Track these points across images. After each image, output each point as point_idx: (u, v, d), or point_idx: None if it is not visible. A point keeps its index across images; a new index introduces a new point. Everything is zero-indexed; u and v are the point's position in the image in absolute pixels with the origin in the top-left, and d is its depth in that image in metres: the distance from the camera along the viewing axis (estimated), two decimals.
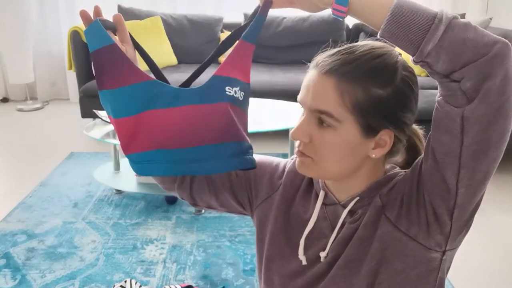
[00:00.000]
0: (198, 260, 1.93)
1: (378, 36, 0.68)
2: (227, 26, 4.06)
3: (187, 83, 0.90)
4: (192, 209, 2.35)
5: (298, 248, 0.84)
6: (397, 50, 0.77)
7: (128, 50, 0.83)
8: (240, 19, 4.05)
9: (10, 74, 4.12)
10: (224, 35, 3.98)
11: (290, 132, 0.77)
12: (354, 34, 4.07)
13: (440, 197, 0.71)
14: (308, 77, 0.77)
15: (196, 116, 0.74)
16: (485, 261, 1.95)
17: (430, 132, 0.71)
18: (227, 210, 0.97)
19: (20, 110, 4.19)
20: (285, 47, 3.93)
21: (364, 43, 0.76)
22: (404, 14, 0.64)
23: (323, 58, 0.76)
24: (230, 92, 0.76)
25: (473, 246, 2.05)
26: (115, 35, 0.82)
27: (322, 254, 0.82)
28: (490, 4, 4.23)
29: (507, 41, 0.64)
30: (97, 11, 0.80)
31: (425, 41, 0.63)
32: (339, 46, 0.77)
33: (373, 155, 0.76)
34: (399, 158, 0.86)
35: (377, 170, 0.81)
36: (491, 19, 3.67)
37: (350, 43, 0.78)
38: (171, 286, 1.58)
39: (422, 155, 0.74)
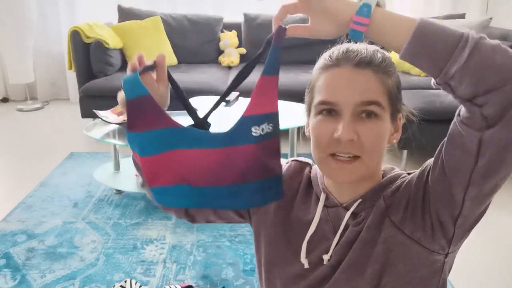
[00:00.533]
0: (198, 260, 1.93)
1: (399, 57, 0.65)
2: (227, 26, 4.06)
3: (205, 117, 0.91)
4: None
5: (300, 251, 0.84)
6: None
7: (161, 87, 0.85)
8: (240, 19, 4.06)
9: (10, 74, 4.12)
10: (224, 35, 3.98)
11: (337, 135, 0.73)
12: None
13: (445, 206, 0.70)
14: (339, 75, 0.75)
15: (219, 158, 0.75)
16: (485, 261, 1.95)
17: (442, 143, 0.69)
18: (226, 221, 0.97)
19: (20, 110, 4.19)
20: (285, 47, 3.90)
21: (363, 43, 0.78)
22: (428, 34, 0.61)
23: (344, 54, 0.76)
24: (256, 132, 0.76)
25: (473, 246, 2.05)
26: (153, 71, 0.84)
27: (325, 257, 0.81)
28: (490, 4, 4.22)
29: None
30: (140, 61, 0.83)
31: (450, 63, 0.59)
32: (341, 43, 0.79)
33: (394, 140, 0.80)
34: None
35: (382, 161, 0.81)
36: (491, 19, 3.68)
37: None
38: (171, 286, 1.58)
39: (431, 161, 0.73)
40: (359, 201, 0.79)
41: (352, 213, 0.80)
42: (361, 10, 0.64)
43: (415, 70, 3.44)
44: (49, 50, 4.41)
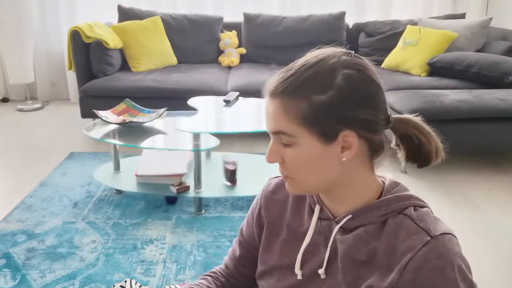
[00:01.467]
0: (198, 260, 1.93)
1: None
2: (227, 26, 4.06)
3: None
4: (192, 209, 2.35)
5: (293, 262, 0.84)
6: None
7: None
8: (240, 19, 4.06)
9: (10, 74, 4.12)
10: (224, 35, 3.98)
11: (266, 157, 0.80)
12: (354, 34, 4.08)
13: None
14: (265, 103, 0.79)
15: None
16: (485, 261, 1.95)
17: None
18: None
19: (20, 110, 4.19)
20: (285, 47, 3.93)
21: (304, 57, 0.77)
22: None
23: (268, 83, 0.78)
24: None
25: (473, 246, 2.05)
26: None
27: (321, 271, 0.81)
28: (490, 4, 4.23)
29: None
30: None
31: None
32: (346, 46, 0.80)
33: (344, 158, 0.75)
34: (400, 153, 0.83)
35: (365, 176, 0.79)
36: (491, 19, 3.68)
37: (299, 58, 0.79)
38: (171, 286, 1.57)
39: None
40: (348, 217, 0.78)
41: (342, 227, 0.79)
42: None
43: (415, 70, 3.44)
44: (49, 50, 4.41)
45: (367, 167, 0.79)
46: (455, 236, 0.74)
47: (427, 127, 0.81)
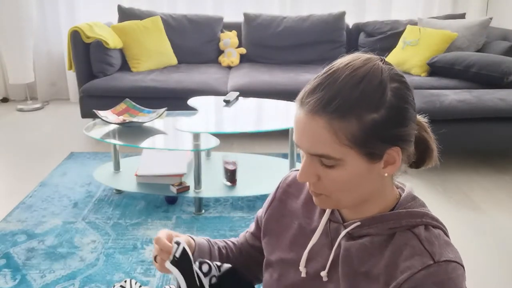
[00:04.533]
0: None
1: None
2: (227, 26, 4.06)
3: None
4: (192, 209, 2.35)
5: (300, 258, 0.84)
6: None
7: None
8: (240, 19, 4.06)
9: (10, 74, 4.12)
10: (224, 35, 3.98)
11: (297, 176, 0.73)
12: (354, 34, 4.08)
13: None
14: (297, 116, 0.72)
15: None
16: (485, 261, 1.95)
17: None
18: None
19: (20, 110, 4.19)
20: (285, 47, 3.93)
21: (343, 62, 0.70)
22: None
23: (306, 95, 0.70)
24: None
25: (473, 246, 2.05)
26: None
27: (323, 274, 0.80)
28: (490, 4, 4.23)
29: None
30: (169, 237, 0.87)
31: None
32: (320, 76, 0.71)
33: (386, 174, 0.72)
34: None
35: (387, 186, 0.77)
36: (491, 19, 3.68)
37: (328, 64, 0.72)
38: (171, 286, 1.57)
39: None
40: (357, 223, 0.77)
41: (348, 233, 0.78)
42: None
43: (415, 70, 3.44)
44: (49, 50, 4.41)
45: (391, 177, 0.78)
46: (462, 266, 0.70)
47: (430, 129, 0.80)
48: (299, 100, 0.71)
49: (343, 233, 0.78)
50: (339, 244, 0.79)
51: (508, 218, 2.29)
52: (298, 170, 0.93)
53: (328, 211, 0.83)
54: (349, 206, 0.77)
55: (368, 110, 0.66)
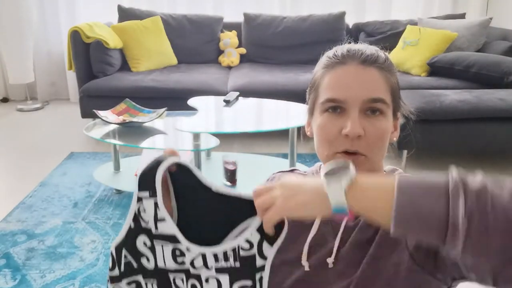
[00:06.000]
0: None
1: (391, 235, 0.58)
2: (227, 26, 4.06)
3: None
4: None
5: (301, 255, 0.82)
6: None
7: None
8: (240, 19, 4.06)
9: (10, 74, 4.12)
10: (224, 35, 3.98)
11: (346, 131, 0.73)
12: (354, 34, 4.08)
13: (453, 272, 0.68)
14: (347, 72, 0.76)
15: None
16: None
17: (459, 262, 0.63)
18: None
19: (20, 110, 4.19)
20: (285, 47, 3.93)
21: (364, 45, 0.81)
22: (409, 219, 0.54)
23: (358, 51, 0.78)
24: None
25: None
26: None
27: (329, 260, 0.79)
28: (490, 4, 4.23)
29: None
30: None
31: (446, 245, 0.52)
32: (349, 43, 0.82)
33: (394, 139, 0.81)
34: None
35: (379, 167, 0.81)
36: (491, 19, 3.68)
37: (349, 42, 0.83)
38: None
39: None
40: None
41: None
42: (336, 212, 0.61)
43: (415, 70, 3.44)
44: (49, 50, 4.41)
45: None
46: None
47: None
48: (342, 57, 0.78)
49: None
50: (345, 228, 0.79)
51: None
52: (280, 171, 0.93)
53: None
54: (376, 170, 0.79)
55: (393, 72, 0.80)
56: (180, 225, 0.74)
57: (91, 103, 3.16)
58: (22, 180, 2.70)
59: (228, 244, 0.71)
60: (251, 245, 0.70)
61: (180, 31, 3.92)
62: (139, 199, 0.75)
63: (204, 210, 0.77)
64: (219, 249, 0.71)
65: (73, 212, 2.33)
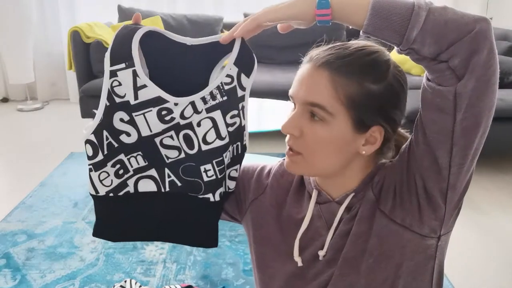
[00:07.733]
0: (198, 260, 1.93)
1: (361, 32, 0.68)
2: (227, 26, 4.06)
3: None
4: None
5: (293, 249, 0.84)
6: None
7: None
8: (240, 19, 4.05)
9: (10, 74, 4.12)
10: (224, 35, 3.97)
11: (281, 126, 0.77)
12: (354, 34, 4.07)
13: (433, 179, 0.71)
14: (302, 71, 0.77)
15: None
16: (485, 261, 1.95)
17: (418, 115, 0.72)
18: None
19: (20, 110, 4.19)
20: (285, 47, 3.93)
21: (357, 41, 0.77)
22: (384, 7, 0.65)
23: (317, 52, 0.77)
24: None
25: (473, 246, 2.05)
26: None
27: (321, 253, 0.81)
28: (490, 4, 4.23)
29: (485, 16, 0.67)
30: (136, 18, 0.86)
31: (409, 28, 0.63)
32: (333, 43, 0.79)
33: (363, 152, 0.77)
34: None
35: (368, 169, 0.81)
36: (491, 19, 3.67)
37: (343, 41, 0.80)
38: (171, 286, 1.57)
39: (408, 142, 0.75)
40: (352, 195, 0.80)
41: (346, 207, 0.80)
42: (320, 4, 0.67)
43: (415, 70, 3.44)
44: (49, 50, 4.41)
45: (371, 162, 0.81)
46: None
47: None
48: (308, 56, 0.78)
49: (343, 207, 0.80)
50: (339, 221, 0.80)
51: (509, 218, 2.29)
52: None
53: (314, 195, 0.83)
54: (320, 174, 0.80)
55: (371, 79, 0.73)
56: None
57: (91, 103, 3.16)
58: (22, 180, 2.71)
59: (212, 85, 0.78)
60: (232, 79, 0.79)
61: (180, 31, 3.92)
62: (113, 74, 0.76)
63: (181, 66, 0.84)
64: (205, 91, 0.78)
65: (73, 212, 2.33)
